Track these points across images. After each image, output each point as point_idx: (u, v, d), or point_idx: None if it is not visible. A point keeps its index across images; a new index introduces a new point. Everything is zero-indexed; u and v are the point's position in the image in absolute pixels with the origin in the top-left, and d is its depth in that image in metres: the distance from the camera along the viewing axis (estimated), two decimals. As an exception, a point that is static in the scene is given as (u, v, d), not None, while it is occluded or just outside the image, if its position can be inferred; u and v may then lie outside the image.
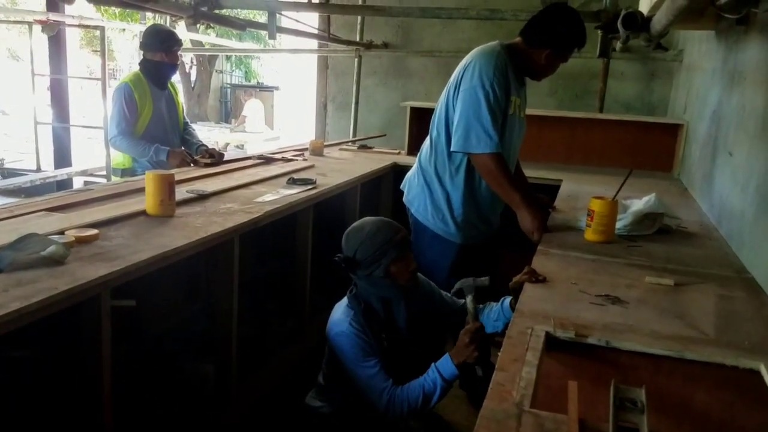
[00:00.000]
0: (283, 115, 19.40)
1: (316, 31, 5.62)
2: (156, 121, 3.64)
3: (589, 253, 2.21)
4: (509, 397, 1.21)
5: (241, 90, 21.18)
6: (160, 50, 3.57)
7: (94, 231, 2.05)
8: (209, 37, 16.32)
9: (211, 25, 3.76)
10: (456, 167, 2.61)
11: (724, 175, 2.65)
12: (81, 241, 1.98)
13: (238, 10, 9.87)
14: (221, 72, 22.92)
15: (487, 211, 2.68)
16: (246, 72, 24.73)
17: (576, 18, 2.50)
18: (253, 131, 15.51)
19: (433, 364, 1.88)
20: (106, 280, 1.74)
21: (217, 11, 3.55)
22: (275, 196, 2.83)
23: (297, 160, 3.94)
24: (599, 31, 3.72)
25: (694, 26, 3.43)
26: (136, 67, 3.71)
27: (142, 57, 3.69)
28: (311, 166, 3.77)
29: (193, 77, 20.44)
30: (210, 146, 3.83)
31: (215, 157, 3.56)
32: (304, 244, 3.15)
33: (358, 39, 5.66)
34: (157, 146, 3.52)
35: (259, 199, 2.76)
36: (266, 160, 3.83)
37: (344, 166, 3.93)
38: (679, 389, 1.49)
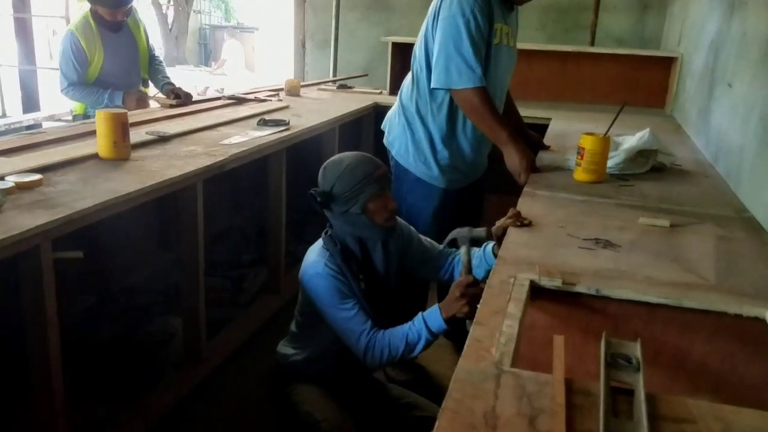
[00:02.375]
0: (265, 57, 18.84)
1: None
2: (111, 64, 3.35)
3: (579, 193, 2.05)
4: (487, 356, 1.07)
5: (221, 31, 20.51)
6: (104, 5, 3.24)
7: (37, 176, 1.87)
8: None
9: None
10: (438, 105, 2.41)
11: (723, 108, 2.48)
12: (22, 188, 1.80)
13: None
14: (199, 12, 22.14)
15: (472, 153, 2.49)
16: (225, 12, 23.91)
17: None
18: (233, 74, 15.06)
19: (420, 314, 1.76)
20: (46, 229, 1.57)
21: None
22: (243, 138, 2.64)
23: (271, 100, 3.72)
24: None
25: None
26: (88, 6, 3.36)
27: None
28: (286, 107, 3.56)
29: (170, 18, 19.72)
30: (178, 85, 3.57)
31: (181, 98, 3.33)
32: (277, 190, 2.97)
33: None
34: (111, 91, 3.27)
35: (226, 142, 2.57)
36: (237, 100, 3.60)
37: (322, 107, 3.71)
38: (675, 340, 1.36)
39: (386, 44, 4.32)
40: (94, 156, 2.20)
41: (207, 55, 21.19)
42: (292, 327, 2.02)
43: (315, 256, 1.85)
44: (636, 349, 1.07)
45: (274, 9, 16.51)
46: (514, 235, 1.67)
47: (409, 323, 1.76)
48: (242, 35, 19.85)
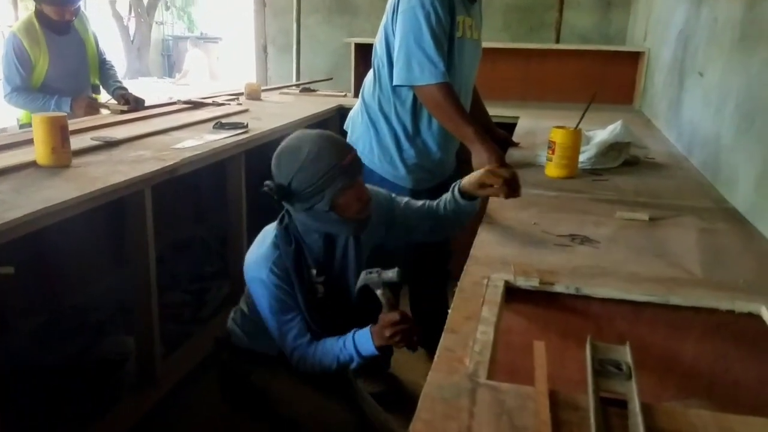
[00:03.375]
0: (229, 67, 18.59)
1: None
2: (57, 69, 3.17)
3: (551, 189, 1.95)
4: (460, 367, 0.94)
5: (184, 42, 20.20)
6: (52, 3, 3.07)
7: (-37, 186, 1.70)
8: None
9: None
10: (402, 102, 2.28)
11: (695, 99, 2.41)
12: (-56, 200, 1.63)
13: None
14: (162, 24, 21.79)
15: (439, 151, 2.36)
16: (189, 23, 23.59)
17: None
18: (196, 84, 14.81)
19: (351, 335, 1.57)
20: (-33, 243, 1.40)
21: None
22: (197, 142, 2.49)
23: (229, 104, 3.56)
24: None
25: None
26: (32, 8, 3.18)
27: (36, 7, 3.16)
28: (245, 111, 3.41)
29: (132, 30, 19.35)
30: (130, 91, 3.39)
31: (132, 103, 3.16)
32: (236, 197, 2.81)
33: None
34: (57, 97, 3.08)
35: (178, 146, 2.41)
36: (194, 105, 3.44)
37: (283, 110, 3.57)
38: (663, 341, 1.26)
39: (350, 47, 4.20)
40: (32, 164, 2.03)
41: (170, 66, 20.84)
42: (242, 304, 1.78)
43: (262, 254, 1.60)
44: (625, 354, 0.96)
45: (236, 17, 16.33)
46: (484, 233, 1.55)
47: (341, 342, 1.57)
48: (206, 45, 19.57)
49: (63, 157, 2.02)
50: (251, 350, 1.74)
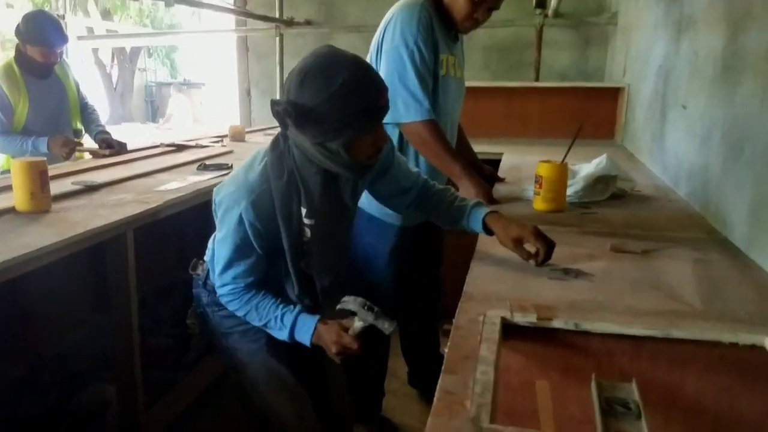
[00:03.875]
0: (212, 111, 18.68)
1: (228, 5, 5.18)
2: (37, 113, 3.15)
3: (541, 223, 1.91)
4: (462, 410, 0.90)
5: (167, 87, 20.29)
6: (38, 44, 3.05)
7: (-63, 234, 1.64)
8: (123, 25, 15.53)
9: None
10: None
11: (678, 131, 2.43)
12: None
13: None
14: (144, 70, 21.92)
15: None
16: (171, 69, 23.75)
17: None
18: (180, 128, 14.83)
19: (295, 314, 1.52)
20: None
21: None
22: (181, 184, 2.45)
23: (213, 146, 3.54)
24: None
25: (632, -21, 3.21)
26: (11, 54, 3.18)
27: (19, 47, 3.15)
28: (229, 152, 3.38)
29: (114, 77, 19.43)
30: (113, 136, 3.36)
31: (114, 147, 3.12)
32: (221, 237, 2.76)
33: (277, 16, 5.24)
34: (35, 138, 3.05)
35: (161, 188, 2.37)
36: (177, 147, 3.41)
37: (267, 151, 3.55)
38: (665, 375, 1.22)
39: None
40: (11, 210, 1.97)
41: (154, 111, 20.89)
42: (207, 263, 1.69)
43: (247, 181, 1.44)
44: (632, 392, 0.92)
45: (219, 63, 16.49)
46: (477, 269, 1.52)
47: (280, 313, 1.52)
48: (189, 91, 19.68)
49: (42, 202, 1.97)
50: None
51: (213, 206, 1.57)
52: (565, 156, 2.10)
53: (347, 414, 1.82)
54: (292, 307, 1.55)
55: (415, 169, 1.79)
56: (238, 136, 3.88)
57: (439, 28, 2.15)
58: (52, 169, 2.36)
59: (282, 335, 1.54)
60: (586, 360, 1.25)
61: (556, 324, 1.22)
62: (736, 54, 1.81)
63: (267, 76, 5.69)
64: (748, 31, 1.73)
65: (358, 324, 1.51)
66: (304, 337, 1.52)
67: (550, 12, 4.59)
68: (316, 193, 1.48)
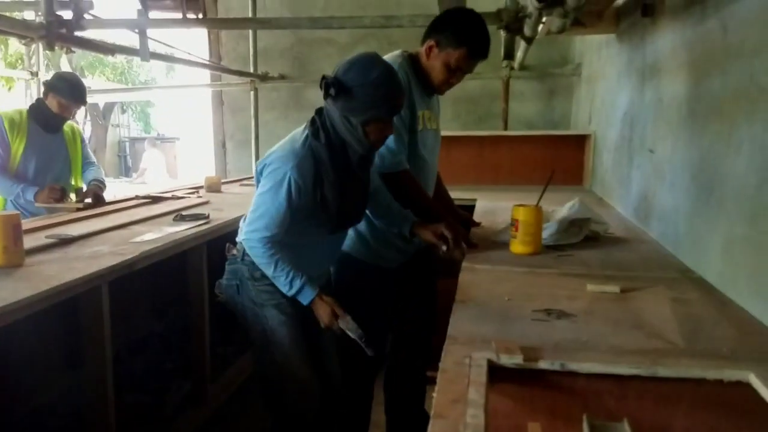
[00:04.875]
0: (188, 165, 18.63)
1: (204, 62, 5.24)
2: (28, 160, 3.23)
3: (519, 265, 1.95)
4: (454, 454, 0.88)
5: (141, 142, 20.24)
6: (60, 94, 3.20)
7: None
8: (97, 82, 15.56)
9: (73, 49, 3.32)
10: None
11: (647, 174, 2.50)
12: None
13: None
14: (118, 126, 21.87)
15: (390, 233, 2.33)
16: (145, 125, 23.74)
17: (477, 18, 2.18)
18: (154, 183, 14.72)
19: (302, 281, 1.88)
20: None
21: (79, 33, 3.11)
22: (157, 235, 2.42)
23: (189, 197, 3.52)
24: (502, 34, 3.58)
25: (593, 31, 3.35)
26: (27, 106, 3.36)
27: (39, 97, 3.33)
28: (206, 203, 3.37)
29: (87, 133, 19.34)
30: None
31: (100, 200, 3.18)
32: (198, 290, 2.72)
33: (252, 71, 5.32)
34: (24, 185, 3.12)
35: (137, 239, 2.34)
36: (153, 199, 3.39)
37: (245, 200, 3.51)
38: (652, 415, 1.22)
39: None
40: (-18, 264, 1.93)
41: (127, 167, 20.79)
42: (250, 212, 1.96)
43: (293, 149, 1.86)
44: (625, 431, 0.92)
45: (194, 117, 16.55)
46: (459, 311, 1.52)
47: (293, 273, 1.87)
48: (163, 145, 19.64)
49: (15, 256, 1.93)
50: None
51: (257, 169, 1.98)
52: (539, 199, 2.14)
53: (336, 379, 2.19)
54: (300, 274, 1.89)
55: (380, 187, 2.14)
56: (214, 187, 3.87)
57: (416, 86, 2.20)
58: (26, 223, 2.33)
59: (285, 290, 1.90)
60: (574, 400, 1.25)
61: (542, 365, 1.22)
62: (700, 99, 1.89)
63: (242, 129, 5.73)
64: (711, 77, 1.80)
65: (349, 325, 1.90)
66: (305, 299, 1.89)
67: (516, 65, 4.74)
68: (339, 153, 1.87)
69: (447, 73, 2.16)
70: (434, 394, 1.11)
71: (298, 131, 1.95)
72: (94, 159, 3.61)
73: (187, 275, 2.71)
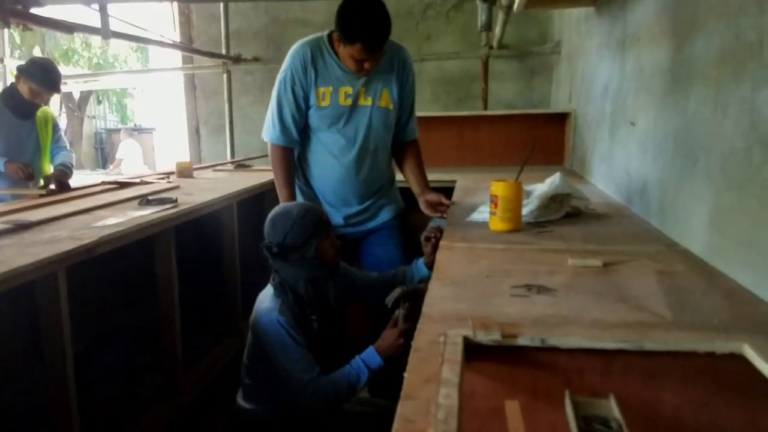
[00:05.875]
0: (165, 156, 18.32)
1: (173, 42, 5.07)
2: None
3: (498, 242, 1.87)
4: (424, 439, 0.80)
5: (117, 133, 19.87)
6: (32, 80, 3.12)
7: None
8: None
9: (29, 27, 3.17)
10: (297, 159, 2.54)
11: (629, 148, 2.42)
12: None
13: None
14: (94, 117, 21.46)
15: (321, 199, 2.50)
16: (122, 116, 23.32)
17: (366, 9, 2.18)
18: (131, 173, 14.44)
19: (357, 357, 1.89)
20: None
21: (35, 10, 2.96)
22: (120, 219, 2.31)
23: (158, 183, 3.40)
24: (479, 4, 3.49)
25: (572, 4, 3.27)
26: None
27: (11, 82, 3.28)
28: (175, 188, 3.25)
29: (63, 125, 18.96)
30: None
31: (65, 187, 3.05)
32: (167, 277, 2.61)
33: (224, 53, 5.17)
34: None
35: (98, 224, 2.23)
36: (120, 184, 3.26)
37: (217, 185, 3.43)
38: (640, 392, 1.14)
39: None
40: (-73, 252, 1.80)
41: (104, 158, 20.40)
42: (244, 378, 2.04)
43: (268, 303, 1.93)
44: (611, 409, 0.85)
45: (171, 106, 16.24)
46: (436, 289, 1.43)
47: (348, 366, 1.87)
48: (140, 136, 19.30)
49: (-37, 241, 1.82)
50: (258, 422, 1.99)
51: (251, 321, 2.00)
52: (519, 174, 2.06)
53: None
54: (351, 363, 1.90)
55: (374, 273, 2.30)
56: (185, 172, 3.75)
57: (335, 60, 2.30)
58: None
59: (365, 376, 1.87)
60: (555, 378, 1.16)
61: (522, 341, 1.14)
62: (683, 64, 1.81)
63: (216, 114, 5.59)
64: (694, 40, 1.73)
65: (398, 312, 1.94)
66: (377, 360, 1.88)
67: (494, 43, 4.65)
68: (310, 295, 1.99)
69: (354, 63, 2.25)
70: (405, 374, 1.02)
71: (266, 289, 2.04)
72: (66, 144, 3.51)
73: (155, 262, 2.59)
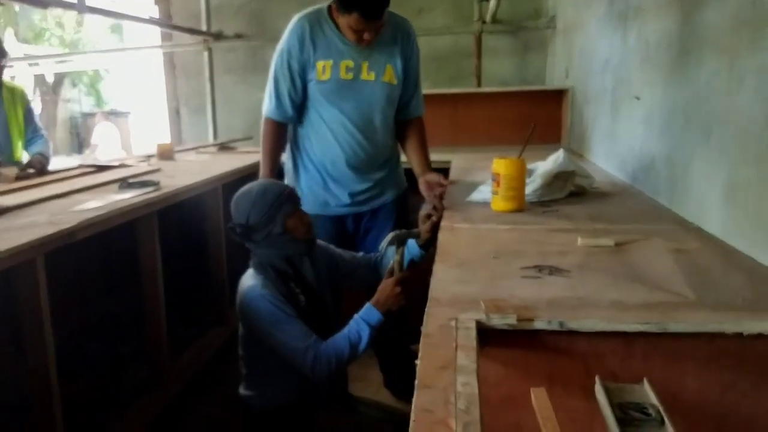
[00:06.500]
0: (142, 139, 18.02)
1: (151, 18, 4.91)
2: None
3: (503, 223, 1.79)
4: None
5: (93, 118, 19.51)
6: None
7: None
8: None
9: (2, 2, 3.02)
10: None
11: (633, 123, 2.34)
12: None
13: None
14: (69, 101, 21.04)
15: (326, 176, 2.40)
16: (97, 99, 22.89)
17: None
18: (107, 157, 14.14)
19: (356, 315, 1.81)
20: None
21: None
22: (100, 203, 2.20)
23: (138, 165, 3.28)
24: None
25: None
26: None
27: None
28: (157, 170, 3.13)
29: (38, 110, 18.54)
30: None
31: (34, 171, 2.89)
32: (150, 264, 2.50)
33: (204, 29, 5.00)
34: None
35: (77, 208, 2.12)
36: (99, 168, 3.13)
37: (201, 168, 3.31)
38: (661, 375, 1.07)
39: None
40: None
41: (80, 143, 20.03)
42: (242, 368, 1.96)
43: (250, 281, 1.84)
44: (646, 395, 0.77)
45: (147, 89, 15.91)
46: (441, 272, 1.35)
47: (347, 327, 1.78)
48: (117, 120, 18.96)
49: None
50: (270, 409, 1.88)
51: (237, 305, 1.88)
52: (522, 152, 1.97)
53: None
54: (349, 323, 1.80)
55: (358, 254, 2.18)
56: (166, 155, 3.62)
57: (336, 33, 2.24)
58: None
59: (366, 333, 1.76)
60: (572, 364, 1.10)
61: (538, 325, 1.06)
62: (693, 34, 1.73)
63: (198, 94, 5.43)
64: (705, 8, 1.65)
65: (394, 260, 1.87)
66: (376, 316, 1.77)
67: (488, 17, 4.54)
68: (289, 272, 1.90)
69: (353, 33, 2.19)
70: (417, 362, 0.94)
71: (248, 271, 1.92)
72: (43, 131, 3.31)
73: (137, 247, 2.48)
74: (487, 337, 1.07)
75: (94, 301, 3.11)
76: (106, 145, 14.24)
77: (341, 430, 1.89)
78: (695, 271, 1.29)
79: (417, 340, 2.43)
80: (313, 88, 2.30)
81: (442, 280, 1.29)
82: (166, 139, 5.60)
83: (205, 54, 5.02)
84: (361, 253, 2.17)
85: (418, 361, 0.91)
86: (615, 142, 2.62)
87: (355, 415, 2.00)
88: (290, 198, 1.88)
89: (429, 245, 2.00)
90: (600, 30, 2.90)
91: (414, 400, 0.81)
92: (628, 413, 0.72)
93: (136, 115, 18.88)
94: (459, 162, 3.25)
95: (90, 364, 2.82)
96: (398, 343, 2.69)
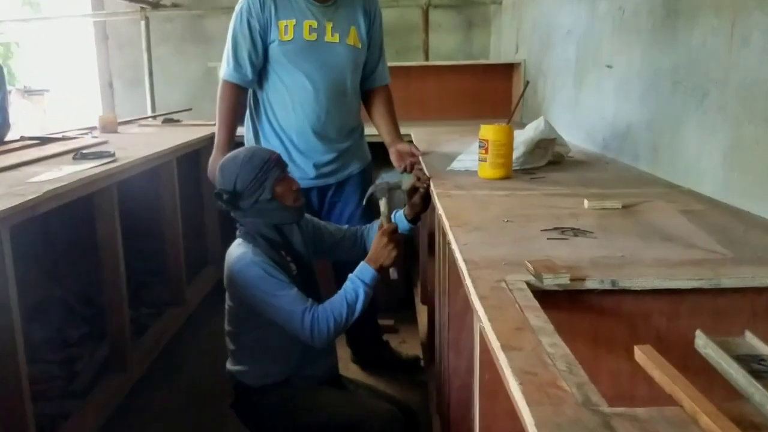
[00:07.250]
0: (62, 117, 17.02)
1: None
2: None
3: (493, 190, 1.76)
4: (563, 394, 0.67)
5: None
6: None
7: None
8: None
9: None
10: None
11: (603, 92, 2.36)
12: None
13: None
14: (-25, 77, 19.57)
15: (290, 146, 2.32)
16: (9, 76, 21.41)
17: None
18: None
19: (350, 275, 1.75)
20: None
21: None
22: (58, 174, 2.02)
23: (83, 137, 3.05)
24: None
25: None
26: None
27: None
28: (104, 142, 2.92)
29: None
30: None
31: None
32: (109, 239, 2.33)
33: (141, -3, 4.72)
34: None
35: (35, 179, 1.93)
36: (41, 140, 2.89)
37: (150, 140, 3.13)
38: (710, 333, 1.07)
39: (209, 76, 3.88)
40: None
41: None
42: (229, 344, 1.87)
43: (238, 250, 1.75)
44: (755, 346, 0.75)
45: (69, 61, 15.00)
46: (462, 235, 1.30)
47: (343, 289, 1.74)
48: (31, 98, 17.81)
49: None
50: (260, 387, 1.81)
51: (225, 277, 1.80)
52: (511, 117, 1.96)
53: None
54: (345, 284, 1.74)
55: (344, 226, 2.11)
56: (109, 127, 3.39)
57: None
58: None
59: (363, 291, 1.71)
60: (617, 325, 1.08)
61: (591, 284, 1.03)
62: (683, -4, 1.74)
63: (133, 66, 5.12)
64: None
65: (380, 203, 1.87)
66: (370, 273, 1.73)
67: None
68: (278, 240, 1.82)
69: None
70: (481, 324, 0.89)
71: (235, 241, 1.82)
72: None
73: (96, 223, 2.30)
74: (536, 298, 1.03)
75: (34, 285, 2.88)
76: (24, 125, 13.36)
77: (335, 403, 1.82)
78: (715, 230, 1.30)
79: (382, 312, 2.40)
80: (275, 50, 2.23)
81: (468, 244, 1.24)
82: (95, 115, 5.27)
83: (142, 24, 4.73)
84: (346, 226, 2.10)
85: (481, 323, 0.86)
86: (579, 113, 2.64)
87: (347, 392, 1.93)
88: (278, 163, 1.81)
89: (417, 219, 1.99)
90: (560, 2, 2.91)
91: (505, 361, 0.76)
92: (748, 365, 0.70)
93: (55, 93, 17.82)
94: (420, 135, 3.20)
95: (38, 351, 2.62)
96: (365, 316, 2.63)
